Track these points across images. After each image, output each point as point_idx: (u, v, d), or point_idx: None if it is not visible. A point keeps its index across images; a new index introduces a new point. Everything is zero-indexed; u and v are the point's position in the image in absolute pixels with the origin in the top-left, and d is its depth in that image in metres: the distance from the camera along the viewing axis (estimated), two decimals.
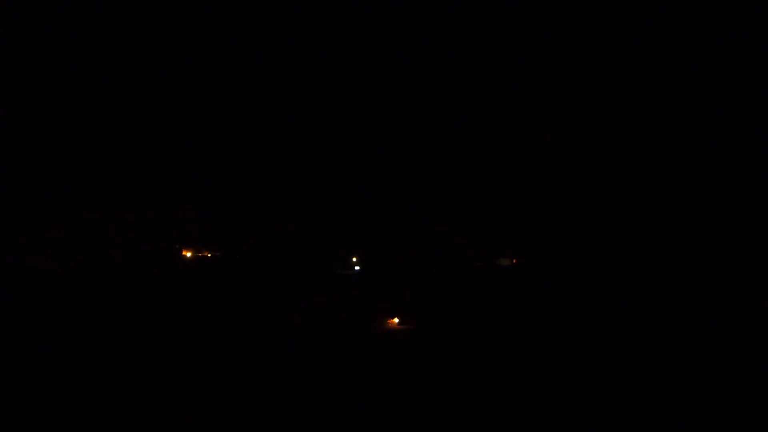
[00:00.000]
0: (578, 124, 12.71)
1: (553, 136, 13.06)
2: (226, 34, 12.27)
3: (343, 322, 10.58)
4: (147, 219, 14.63)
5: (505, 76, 13.04)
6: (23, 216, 12.51)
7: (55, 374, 8.21)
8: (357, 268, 16.27)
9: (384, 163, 15.29)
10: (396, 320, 12.19)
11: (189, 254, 15.47)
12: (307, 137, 14.65)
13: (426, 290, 14.86)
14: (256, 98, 13.82)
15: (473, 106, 13.71)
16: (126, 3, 11.32)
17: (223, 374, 8.07)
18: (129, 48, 11.83)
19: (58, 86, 11.79)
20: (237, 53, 12.63)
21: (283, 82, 13.55)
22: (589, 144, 13.05)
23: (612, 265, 13.07)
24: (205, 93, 13.20)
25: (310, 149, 14.78)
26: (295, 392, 7.41)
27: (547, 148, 13.34)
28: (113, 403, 7.13)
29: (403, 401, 7.19)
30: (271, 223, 15.91)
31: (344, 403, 7.13)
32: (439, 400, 7.26)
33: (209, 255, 15.78)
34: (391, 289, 14.68)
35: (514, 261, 15.79)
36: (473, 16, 11.92)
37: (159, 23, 11.72)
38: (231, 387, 7.60)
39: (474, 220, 15.71)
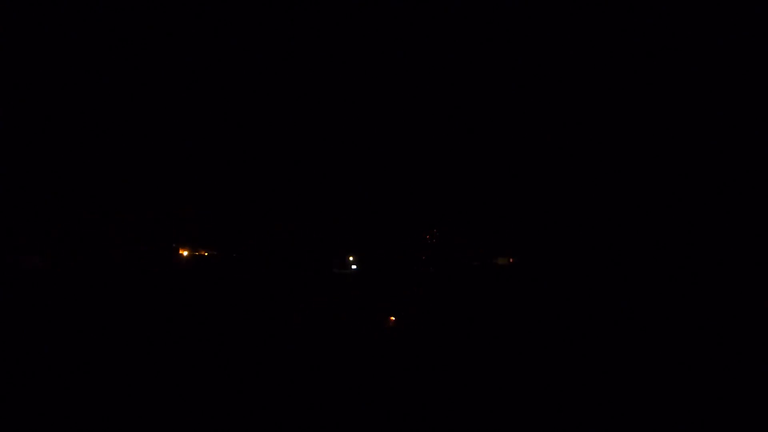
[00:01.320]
0: (577, 124, 12.79)
1: (552, 137, 13.13)
2: (226, 34, 12.25)
3: (343, 322, 10.58)
4: (145, 218, 14.57)
5: (504, 77, 13.09)
6: (23, 216, 12.46)
7: (53, 373, 8.18)
8: (354, 267, 16.31)
9: (382, 164, 15.31)
10: (394, 318, 12.25)
11: (186, 253, 15.43)
12: (306, 137, 14.65)
13: (424, 289, 14.90)
14: (256, 98, 13.80)
15: (471, 106, 13.75)
16: (126, 3, 11.29)
17: (223, 374, 8.05)
18: (129, 48, 11.80)
19: (58, 86, 11.75)
20: (236, 53, 12.62)
21: (283, 82, 13.54)
22: (586, 144, 13.13)
23: (609, 263, 13.15)
24: (205, 93, 13.18)
25: (309, 149, 14.78)
26: (295, 392, 7.41)
27: (546, 148, 13.41)
28: (111, 402, 7.10)
29: (402, 400, 7.20)
30: (268, 223, 15.89)
31: (344, 403, 7.14)
32: (439, 398, 7.27)
33: (206, 254, 15.74)
34: (389, 288, 14.71)
35: (511, 260, 15.86)
36: (473, 16, 11.96)
37: (159, 23, 11.69)
38: (230, 386, 7.59)
39: (472, 219, 15.77)
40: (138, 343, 9.51)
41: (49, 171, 12.43)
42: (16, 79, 11.42)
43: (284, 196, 15.60)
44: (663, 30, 11.05)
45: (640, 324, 10.54)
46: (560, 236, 14.53)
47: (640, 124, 12.12)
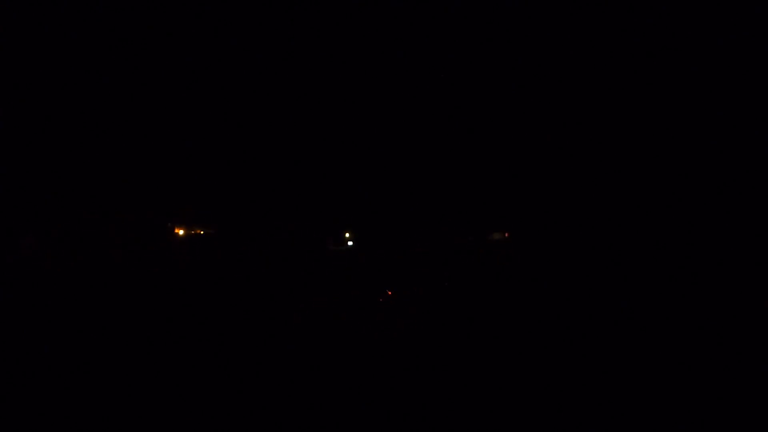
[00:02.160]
0: (576, 108, 12.72)
1: (551, 124, 13.07)
2: (225, 31, 12.07)
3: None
4: (139, 198, 14.49)
5: (496, 61, 12.95)
6: (22, 212, 12.44)
7: (51, 365, 8.29)
8: (350, 243, 16.37)
9: (375, 139, 15.25)
10: (390, 293, 12.39)
11: (182, 232, 15.41)
12: (297, 116, 14.54)
13: (420, 265, 14.98)
14: (249, 82, 13.65)
15: (466, 90, 13.64)
16: (126, 3, 11.09)
17: (222, 374, 8.14)
18: (128, 48, 11.63)
19: (58, 86, 11.62)
20: (230, 48, 12.45)
21: (275, 66, 13.37)
22: (580, 125, 13.08)
23: (609, 241, 13.19)
24: (201, 83, 13.05)
25: (302, 129, 14.70)
26: (294, 392, 7.50)
27: (543, 130, 13.36)
28: (106, 398, 7.20)
29: (402, 400, 7.29)
30: (263, 201, 15.86)
31: (344, 403, 7.24)
32: (439, 397, 7.36)
33: (202, 232, 15.72)
34: (386, 266, 14.81)
35: (506, 234, 15.89)
36: (473, 16, 11.78)
37: (158, 22, 11.50)
38: (229, 386, 7.69)
39: (465, 194, 15.76)
40: (132, 335, 9.60)
41: (49, 170, 12.39)
42: (16, 79, 11.30)
43: (279, 174, 15.56)
44: (663, 30, 10.90)
45: (639, 309, 10.59)
46: (557, 211, 14.56)
47: (638, 110, 12.07)
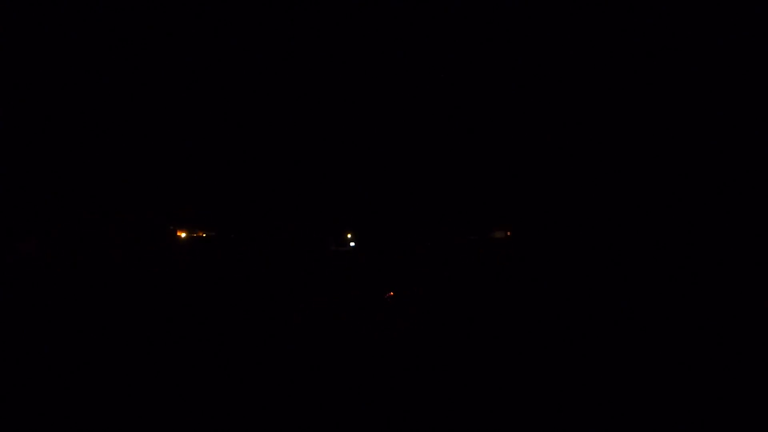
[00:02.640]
0: (576, 107, 12.71)
1: (551, 123, 13.06)
2: (225, 31, 12.07)
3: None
4: (140, 201, 14.49)
5: (492, 57, 12.94)
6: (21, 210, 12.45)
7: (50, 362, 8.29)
8: (352, 244, 16.38)
9: (375, 139, 15.23)
10: (392, 293, 12.38)
11: (184, 235, 15.42)
12: (300, 118, 14.53)
13: (422, 265, 14.98)
14: (249, 83, 13.64)
15: (466, 90, 13.64)
16: (126, 3, 11.12)
17: (222, 375, 8.13)
18: (127, 47, 11.65)
19: (58, 86, 11.64)
20: (230, 49, 12.46)
21: (275, 67, 13.36)
22: (582, 123, 13.07)
23: (610, 240, 13.18)
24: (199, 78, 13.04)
25: (304, 132, 14.69)
26: (295, 392, 7.50)
27: (544, 129, 13.36)
28: (106, 399, 7.20)
29: (402, 400, 7.28)
30: (265, 203, 15.87)
31: (344, 402, 7.24)
32: (440, 396, 7.35)
33: (204, 235, 15.73)
34: (386, 266, 14.81)
35: (509, 233, 15.88)
36: (473, 16, 11.78)
37: (158, 22, 11.52)
38: (228, 383, 7.68)
39: (466, 192, 15.74)
40: (132, 336, 9.59)
41: (49, 170, 12.41)
42: (16, 78, 11.32)
43: (280, 174, 15.55)
44: (663, 30, 10.90)
45: (637, 311, 10.58)
46: (557, 209, 14.55)
47: (637, 103, 12.06)
